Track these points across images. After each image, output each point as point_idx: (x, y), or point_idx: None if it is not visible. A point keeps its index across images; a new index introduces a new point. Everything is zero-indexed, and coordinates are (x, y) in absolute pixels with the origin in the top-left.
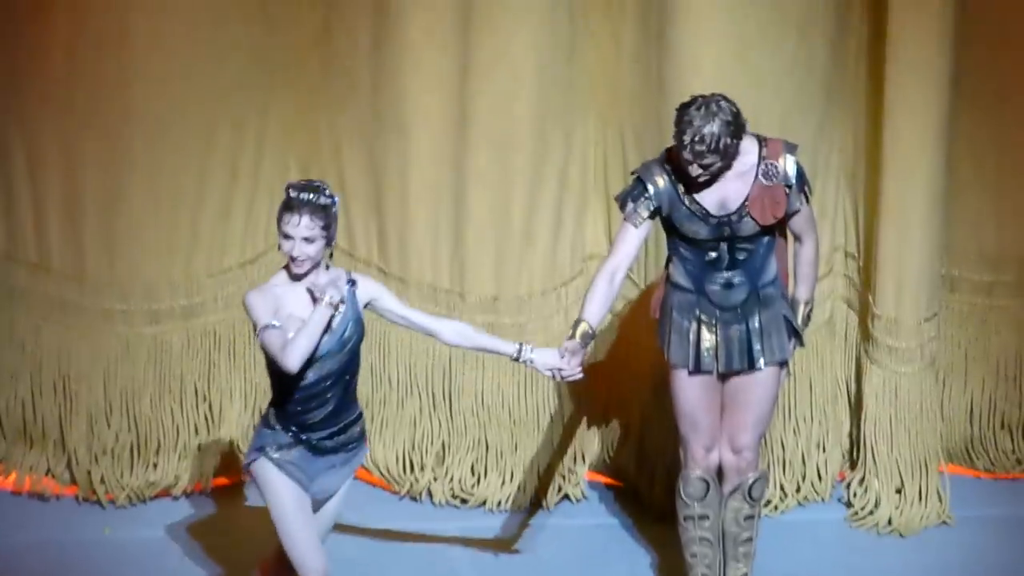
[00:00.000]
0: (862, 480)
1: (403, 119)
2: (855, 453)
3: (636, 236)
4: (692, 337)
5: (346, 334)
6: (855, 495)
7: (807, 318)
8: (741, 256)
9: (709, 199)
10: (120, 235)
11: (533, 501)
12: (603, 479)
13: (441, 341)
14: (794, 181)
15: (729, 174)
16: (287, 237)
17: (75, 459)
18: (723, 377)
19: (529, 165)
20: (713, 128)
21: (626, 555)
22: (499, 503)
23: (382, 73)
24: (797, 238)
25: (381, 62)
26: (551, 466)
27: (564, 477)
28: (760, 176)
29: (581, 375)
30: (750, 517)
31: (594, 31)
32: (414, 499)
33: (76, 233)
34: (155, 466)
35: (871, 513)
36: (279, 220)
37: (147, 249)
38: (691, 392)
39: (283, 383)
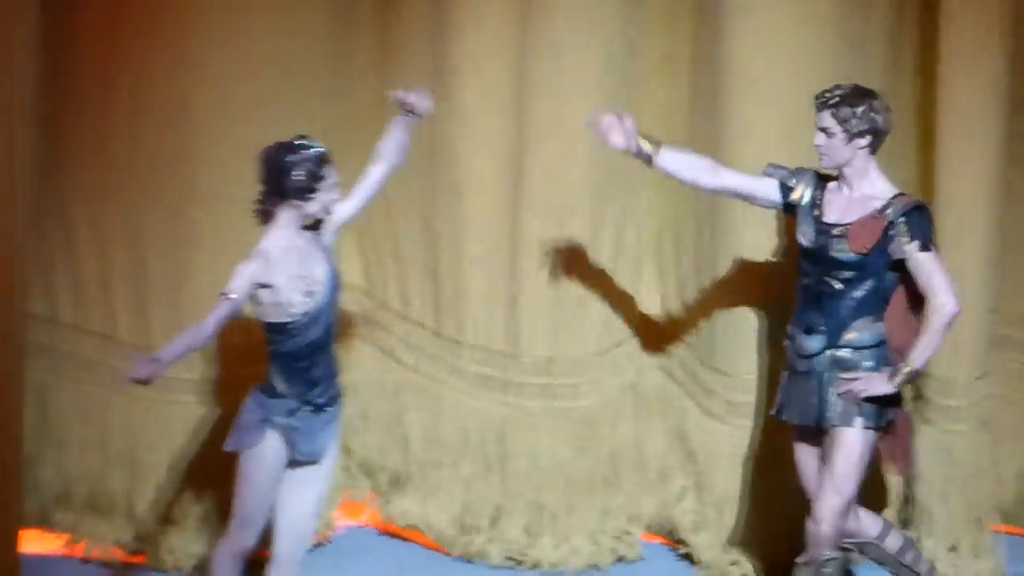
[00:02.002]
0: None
1: (457, 183)
2: (909, 511)
3: (757, 178)
4: (781, 382)
5: (335, 283)
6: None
7: (903, 380)
8: (824, 290)
9: (831, 209)
10: (186, 307)
11: (588, 563)
12: (659, 539)
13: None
14: (899, 221)
15: (856, 196)
16: (331, 189)
17: (143, 529)
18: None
19: (584, 230)
20: (846, 91)
21: None
22: (553, 565)
23: (436, 137)
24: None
25: (436, 127)
26: (605, 528)
27: (619, 539)
28: (875, 209)
29: (618, 141)
30: None
31: (649, 97)
32: (468, 561)
33: (143, 306)
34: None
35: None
36: (322, 177)
37: None
38: (796, 447)
39: (290, 343)
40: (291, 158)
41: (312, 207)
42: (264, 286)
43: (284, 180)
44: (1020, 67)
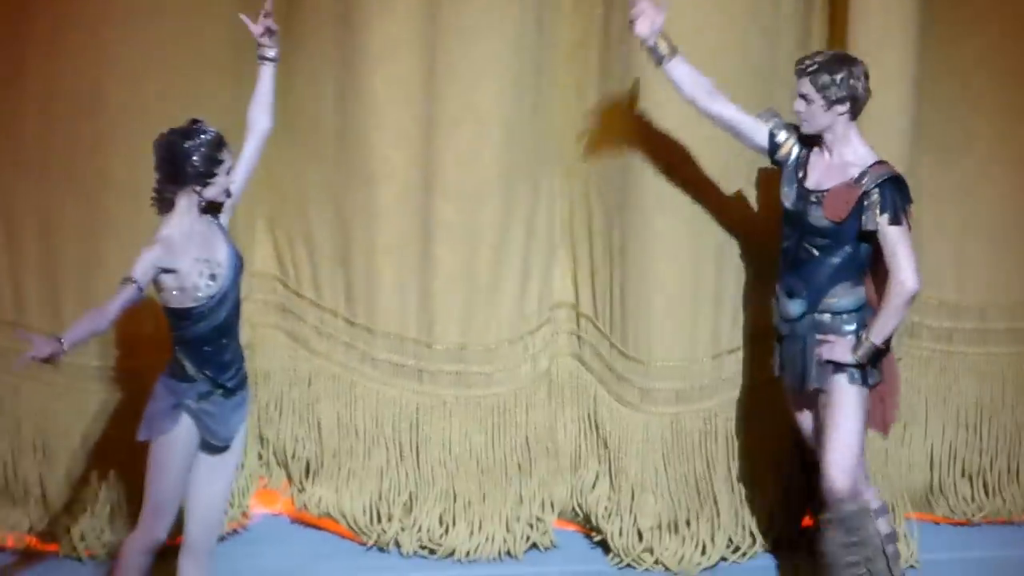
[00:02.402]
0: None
1: (369, 172)
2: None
3: (752, 118)
4: (776, 345)
5: (238, 264)
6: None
7: (864, 353)
8: (803, 257)
9: (812, 173)
10: (97, 295)
11: (502, 551)
12: (572, 527)
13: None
14: (874, 192)
15: (836, 162)
16: (227, 172)
17: (56, 517)
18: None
19: (496, 217)
20: (822, 59)
21: None
22: (467, 553)
23: (347, 126)
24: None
25: (346, 115)
26: (519, 515)
27: (532, 526)
28: (852, 177)
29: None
30: (851, 545)
31: (559, 83)
32: (382, 550)
33: (54, 293)
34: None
35: None
36: (220, 161)
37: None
38: (792, 407)
39: (197, 328)
40: (188, 144)
41: (211, 191)
42: (167, 271)
43: (182, 166)
44: (927, 55)
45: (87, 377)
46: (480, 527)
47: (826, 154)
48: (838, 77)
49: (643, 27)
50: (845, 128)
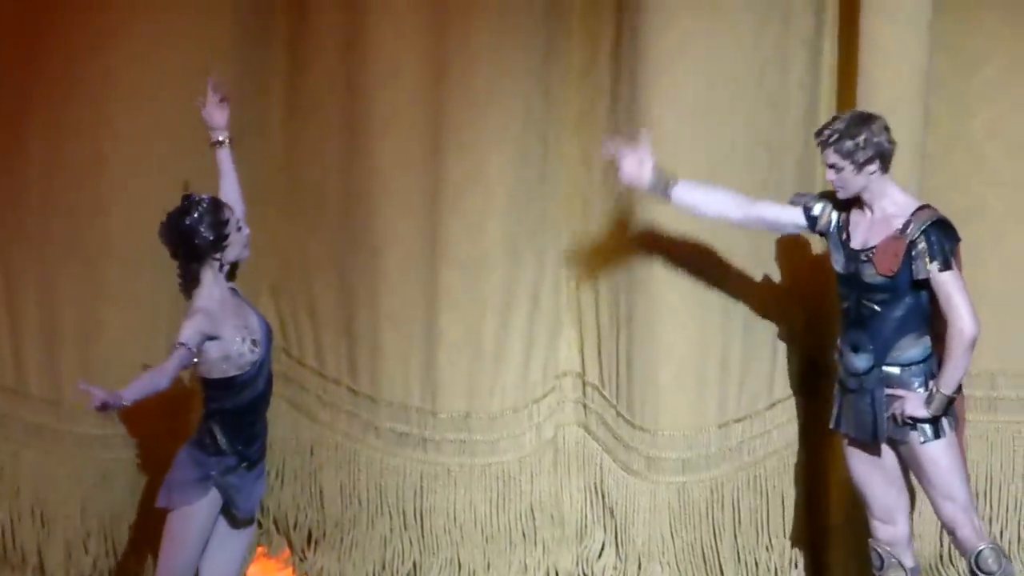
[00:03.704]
0: None
1: (373, 240)
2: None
3: (784, 206)
4: (836, 397)
5: (269, 332)
6: None
7: (938, 406)
8: (866, 315)
9: (857, 233)
10: (97, 362)
11: None
12: None
13: None
14: (920, 240)
15: (878, 217)
16: (238, 229)
17: None
18: (895, 450)
19: (501, 285)
20: (841, 125)
21: None
22: None
23: (351, 194)
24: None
25: (351, 183)
26: None
27: None
28: (897, 229)
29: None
30: None
31: (565, 151)
32: None
33: (53, 359)
34: None
35: None
36: (225, 222)
37: (123, 376)
38: (851, 459)
39: (239, 398)
40: (189, 221)
41: (231, 253)
42: (211, 338)
43: (193, 243)
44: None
45: (86, 444)
46: None
47: (867, 212)
48: (861, 139)
49: (631, 168)
50: (880, 184)
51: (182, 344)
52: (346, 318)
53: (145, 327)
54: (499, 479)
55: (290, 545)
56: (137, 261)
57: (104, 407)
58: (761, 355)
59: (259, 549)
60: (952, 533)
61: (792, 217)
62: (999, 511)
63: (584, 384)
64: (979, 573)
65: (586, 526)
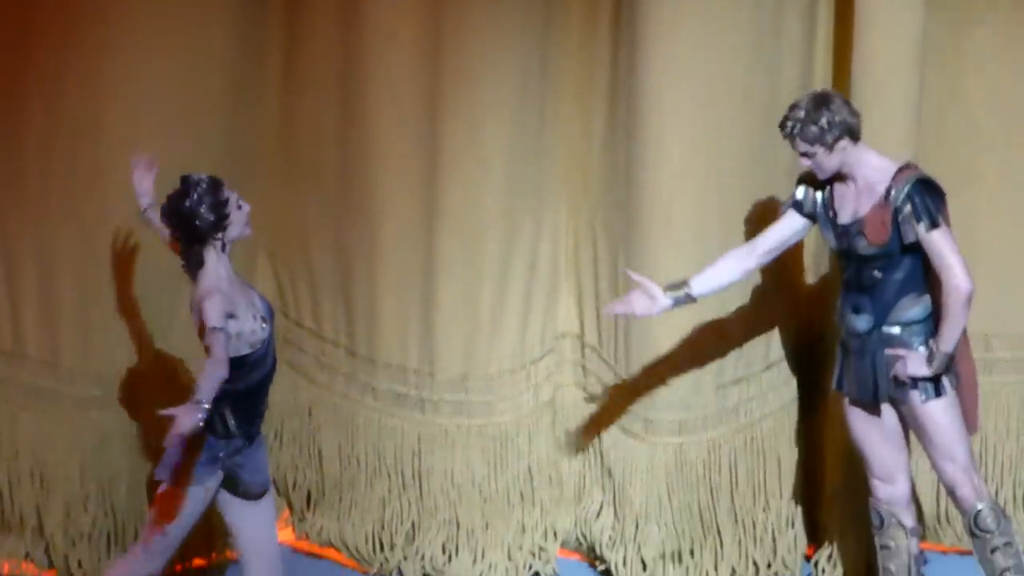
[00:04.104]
0: (830, 556)
1: (371, 207)
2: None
3: (779, 223)
4: (838, 358)
5: (271, 310)
6: (824, 571)
7: (940, 364)
8: (867, 282)
9: (844, 209)
10: (95, 325)
11: None
12: (575, 556)
13: None
14: (905, 205)
15: (862, 186)
16: (239, 207)
17: (53, 545)
18: (896, 409)
19: (498, 251)
20: (801, 113)
21: None
22: None
23: (349, 162)
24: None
25: (348, 150)
26: (522, 544)
27: (535, 555)
28: (882, 196)
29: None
30: (995, 550)
31: (563, 119)
32: None
33: (51, 322)
34: None
35: None
36: (225, 201)
37: (122, 339)
38: (851, 419)
39: (250, 377)
40: (188, 203)
41: (232, 231)
42: (231, 316)
43: (194, 224)
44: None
45: (85, 406)
46: (483, 556)
47: (850, 183)
48: (824, 122)
49: (645, 307)
50: (855, 154)
51: (216, 328)
52: (344, 282)
53: (142, 291)
54: (497, 440)
55: (289, 506)
56: (135, 225)
57: (197, 423)
58: (759, 318)
59: None
60: (952, 492)
61: (791, 224)
62: (995, 472)
63: (583, 345)
64: (978, 532)
65: (584, 487)
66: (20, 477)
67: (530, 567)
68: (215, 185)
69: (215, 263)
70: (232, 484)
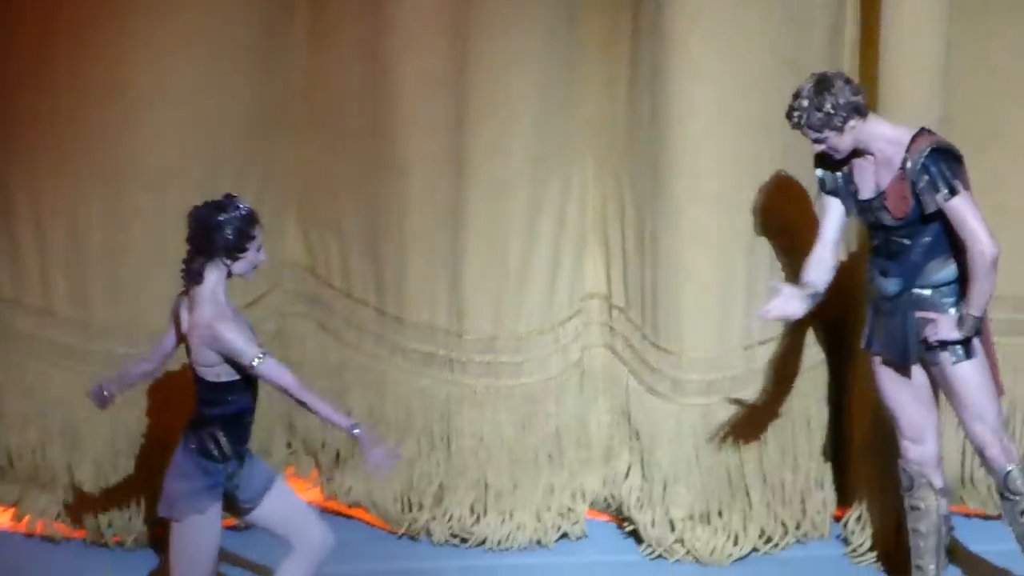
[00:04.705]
0: (859, 517)
1: (399, 162)
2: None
3: (827, 212)
4: (868, 318)
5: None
6: (853, 532)
7: (970, 327)
8: (895, 248)
9: (865, 184)
10: (124, 282)
11: (533, 540)
12: (603, 517)
13: None
14: (922, 177)
15: (880, 159)
16: (258, 249)
17: (84, 504)
18: (926, 369)
19: (526, 207)
20: (804, 102)
21: None
22: (498, 542)
23: (376, 117)
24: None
25: (375, 106)
26: (550, 505)
27: (563, 516)
28: (899, 169)
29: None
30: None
31: (589, 74)
32: (412, 539)
33: (81, 280)
34: None
35: (870, 549)
36: (251, 236)
37: (152, 295)
38: (881, 379)
39: (244, 397)
40: (221, 217)
41: (240, 266)
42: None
43: (213, 237)
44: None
45: (114, 364)
46: (511, 516)
47: (868, 158)
48: (828, 107)
49: (786, 309)
50: (867, 129)
51: (259, 358)
52: (372, 240)
53: (172, 247)
54: (525, 401)
55: (318, 466)
56: (163, 182)
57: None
58: (787, 277)
59: (288, 469)
60: (981, 453)
61: (835, 209)
62: (1021, 435)
63: (610, 306)
64: (1007, 494)
65: (612, 448)
66: (52, 435)
67: (558, 528)
68: (252, 218)
69: (214, 284)
70: (230, 504)
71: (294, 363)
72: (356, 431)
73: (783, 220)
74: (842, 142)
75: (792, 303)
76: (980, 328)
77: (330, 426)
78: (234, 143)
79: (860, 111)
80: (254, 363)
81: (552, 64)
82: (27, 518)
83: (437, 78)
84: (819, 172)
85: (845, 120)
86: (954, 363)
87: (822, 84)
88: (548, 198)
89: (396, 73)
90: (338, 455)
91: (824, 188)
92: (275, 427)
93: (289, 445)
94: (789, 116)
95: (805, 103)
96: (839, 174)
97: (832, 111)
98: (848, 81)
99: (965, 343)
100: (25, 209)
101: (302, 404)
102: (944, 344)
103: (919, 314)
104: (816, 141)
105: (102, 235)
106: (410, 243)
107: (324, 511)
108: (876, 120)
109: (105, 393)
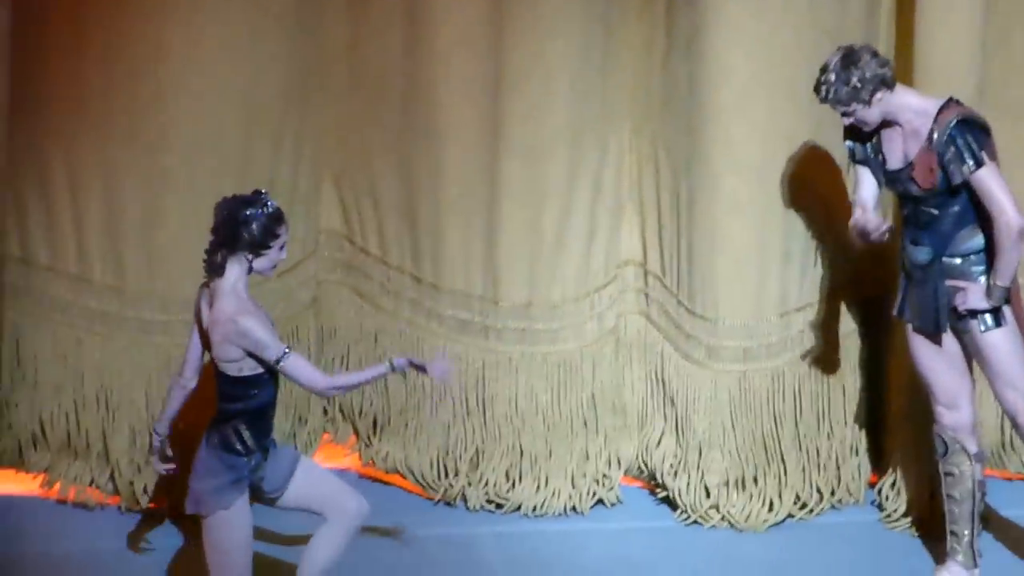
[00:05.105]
0: (894, 484)
1: (435, 127)
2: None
3: (861, 180)
4: (901, 285)
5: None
6: (887, 498)
7: (1000, 296)
8: (925, 218)
9: (893, 154)
10: (160, 249)
11: (568, 506)
12: (638, 483)
13: None
14: (948, 148)
15: (908, 130)
16: (281, 248)
17: (118, 470)
18: (958, 337)
19: (563, 173)
20: (831, 76)
21: (660, 560)
22: (534, 508)
23: (413, 81)
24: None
25: (412, 70)
26: (585, 471)
27: (598, 482)
28: (926, 140)
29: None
30: None
31: (627, 39)
32: (448, 504)
33: (116, 246)
34: None
35: (904, 515)
36: (276, 235)
37: (186, 263)
38: (915, 346)
39: (265, 392)
40: (248, 211)
41: (261, 263)
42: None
43: (238, 231)
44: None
45: (150, 330)
46: (546, 483)
47: (897, 128)
48: (855, 80)
49: (871, 224)
50: (894, 101)
51: (283, 355)
52: (408, 206)
53: (207, 214)
54: (560, 368)
55: (355, 431)
56: (197, 149)
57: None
58: (823, 245)
59: (324, 435)
60: (1014, 420)
61: (867, 177)
62: None
63: (645, 273)
64: None
65: (647, 415)
66: (86, 402)
67: (593, 494)
68: (279, 217)
69: (236, 278)
70: (257, 495)
71: (330, 329)
72: (397, 363)
73: (817, 189)
74: (870, 115)
75: (871, 216)
76: (1010, 296)
77: (368, 392)
78: (269, 110)
79: (887, 83)
80: (281, 358)
81: (589, 28)
82: (58, 484)
83: (475, 44)
84: (848, 143)
85: (872, 93)
86: (984, 331)
87: (849, 58)
88: (584, 164)
89: (434, 37)
90: (375, 421)
91: (854, 159)
92: (311, 394)
93: (326, 412)
94: (817, 90)
95: (832, 77)
96: (868, 145)
97: (859, 84)
98: (875, 54)
99: (995, 311)
100: (61, 177)
101: (336, 391)
102: (974, 313)
103: (949, 282)
104: (844, 114)
105: (137, 203)
106: (445, 209)
107: (361, 477)
108: (904, 91)
109: (158, 444)
